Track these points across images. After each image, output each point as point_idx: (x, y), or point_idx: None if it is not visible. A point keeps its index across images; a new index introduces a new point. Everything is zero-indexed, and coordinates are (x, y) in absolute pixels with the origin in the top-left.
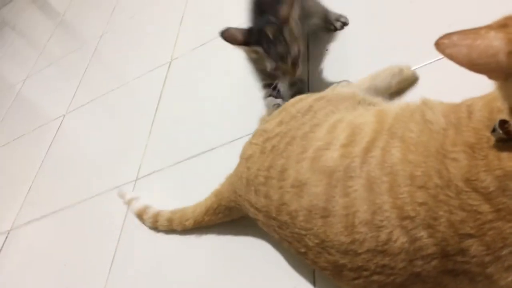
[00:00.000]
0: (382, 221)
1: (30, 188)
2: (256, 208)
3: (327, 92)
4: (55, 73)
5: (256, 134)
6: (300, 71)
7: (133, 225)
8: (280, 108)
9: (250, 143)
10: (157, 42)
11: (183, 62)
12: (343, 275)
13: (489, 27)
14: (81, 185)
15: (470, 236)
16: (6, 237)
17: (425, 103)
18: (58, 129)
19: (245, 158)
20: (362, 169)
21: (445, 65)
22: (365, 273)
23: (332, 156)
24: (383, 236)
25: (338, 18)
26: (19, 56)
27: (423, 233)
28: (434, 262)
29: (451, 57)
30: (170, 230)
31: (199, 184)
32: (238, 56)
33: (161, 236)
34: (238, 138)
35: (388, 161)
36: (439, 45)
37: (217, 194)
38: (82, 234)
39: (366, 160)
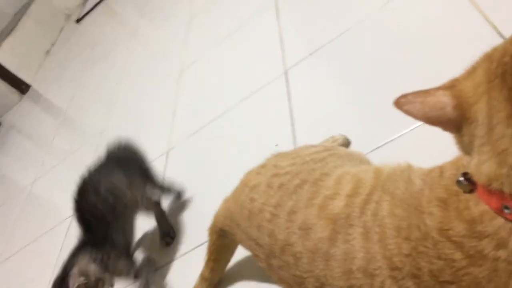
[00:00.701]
0: (375, 269)
1: None
2: (257, 244)
3: (338, 147)
4: (63, 171)
5: (264, 166)
6: None
7: None
8: (293, 150)
9: (256, 173)
10: (153, 133)
11: (180, 149)
12: None
13: (438, 88)
14: None
15: (449, 283)
16: None
17: (409, 166)
18: (68, 229)
19: (249, 187)
20: (361, 219)
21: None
22: None
23: (338, 205)
24: (376, 284)
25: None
26: (27, 157)
27: (410, 283)
28: None
29: (407, 112)
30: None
31: None
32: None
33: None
34: None
35: (379, 213)
36: (397, 103)
37: (214, 217)
38: None
39: (364, 211)
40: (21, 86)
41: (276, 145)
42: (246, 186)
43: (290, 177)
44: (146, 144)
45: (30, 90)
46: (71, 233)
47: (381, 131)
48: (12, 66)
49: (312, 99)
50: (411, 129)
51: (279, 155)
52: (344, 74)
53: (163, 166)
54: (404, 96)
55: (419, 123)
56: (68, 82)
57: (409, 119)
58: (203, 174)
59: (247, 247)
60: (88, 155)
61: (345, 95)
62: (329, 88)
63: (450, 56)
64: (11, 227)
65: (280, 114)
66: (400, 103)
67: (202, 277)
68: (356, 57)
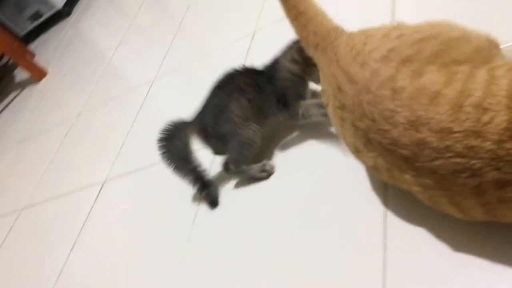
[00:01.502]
0: (491, 104)
1: (123, 144)
2: (350, 80)
3: None
4: (144, 43)
5: (382, 27)
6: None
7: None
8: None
9: (376, 29)
10: (241, 13)
11: (266, 33)
12: (422, 154)
13: None
14: None
15: None
16: (101, 188)
17: None
18: (147, 93)
19: (366, 35)
20: (488, 71)
21: None
22: (448, 154)
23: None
24: (485, 117)
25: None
26: (111, 25)
27: None
28: None
29: None
30: None
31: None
32: None
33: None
34: None
35: None
36: None
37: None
38: (167, 190)
39: (494, 68)
40: None
41: None
42: (363, 33)
43: (412, 31)
44: (233, 21)
45: None
46: (151, 94)
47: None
48: None
49: None
50: None
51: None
52: None
53: (247, 47)
54: None
55: None
56: None
57: None
58: None
59: (323, 78)
60: (169, 31)
61: None
62: None
63: None
64: (93, 84)
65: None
66: None
67: None
68: None
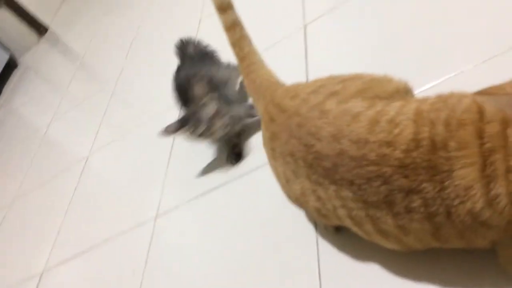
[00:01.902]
0: (401, 120)
1: (59, 229)
2: (280, 109)
3: None
4: (78, 115)
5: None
6: (216, 127)
7: (156, 260)
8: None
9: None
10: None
11: None
12: (342, 164)
13: None
14: (107, 224)
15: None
16: (40, 279)
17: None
18: (82, 170)
19: (293, 84)
20: (405, 101)
21: None
22: (364, 162)
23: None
24: (396, 130)
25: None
26: (43, 99)
27: (426, 129)
28: (426, 156)
29: None
30: None
31: (220, 217)
32: None
33: (185, 272)
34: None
35: (428, 100)
36: None
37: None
38: (109, 272)
39: (410, 101)
40: (39, 28)
41: None
42: (298, 83)
43: (339, 75)
44: (165, 88)
45: (48, 33)
46: (85, 174)
47: None
48: (31, 8)
49: (330, 57)
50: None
51: None
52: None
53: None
54: None
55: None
56: (86, 27)
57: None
58: None
59: (263, 115)
60: (103, 101)
61: (365, 53)
62: (349, 45)
63: None
64: (27, 165)
65: (296, 71)
66: None
67: None
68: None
